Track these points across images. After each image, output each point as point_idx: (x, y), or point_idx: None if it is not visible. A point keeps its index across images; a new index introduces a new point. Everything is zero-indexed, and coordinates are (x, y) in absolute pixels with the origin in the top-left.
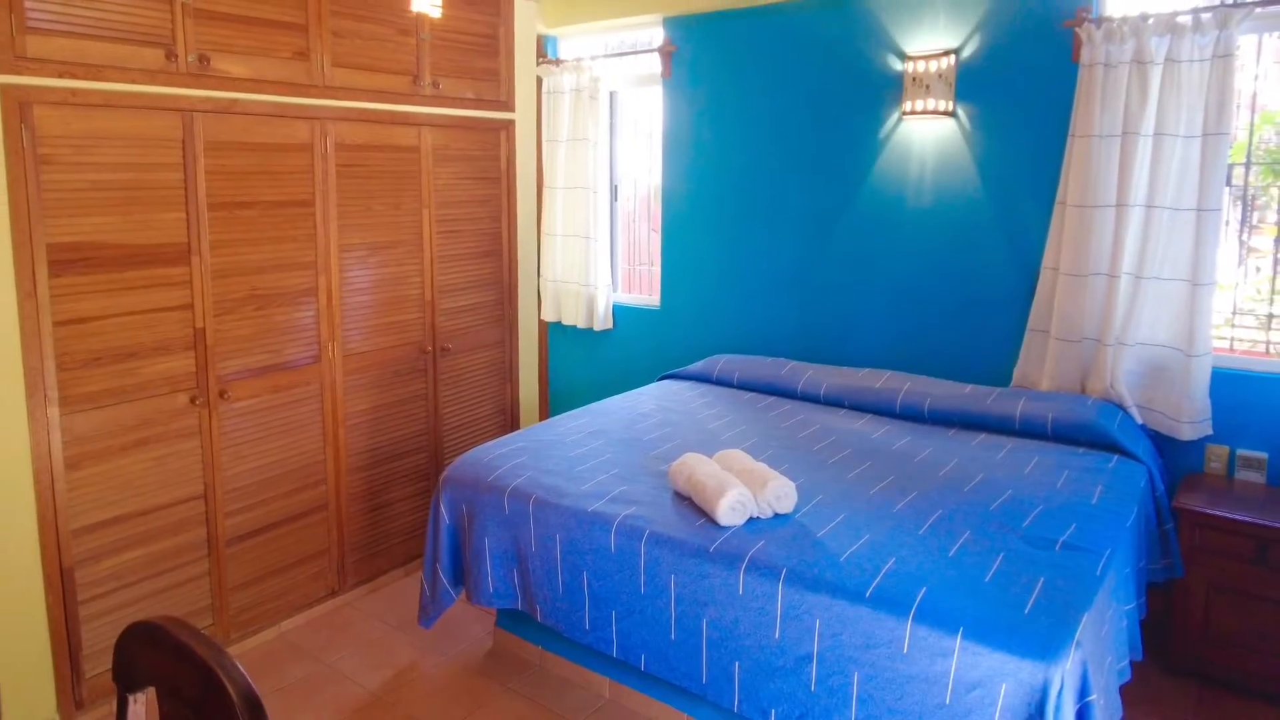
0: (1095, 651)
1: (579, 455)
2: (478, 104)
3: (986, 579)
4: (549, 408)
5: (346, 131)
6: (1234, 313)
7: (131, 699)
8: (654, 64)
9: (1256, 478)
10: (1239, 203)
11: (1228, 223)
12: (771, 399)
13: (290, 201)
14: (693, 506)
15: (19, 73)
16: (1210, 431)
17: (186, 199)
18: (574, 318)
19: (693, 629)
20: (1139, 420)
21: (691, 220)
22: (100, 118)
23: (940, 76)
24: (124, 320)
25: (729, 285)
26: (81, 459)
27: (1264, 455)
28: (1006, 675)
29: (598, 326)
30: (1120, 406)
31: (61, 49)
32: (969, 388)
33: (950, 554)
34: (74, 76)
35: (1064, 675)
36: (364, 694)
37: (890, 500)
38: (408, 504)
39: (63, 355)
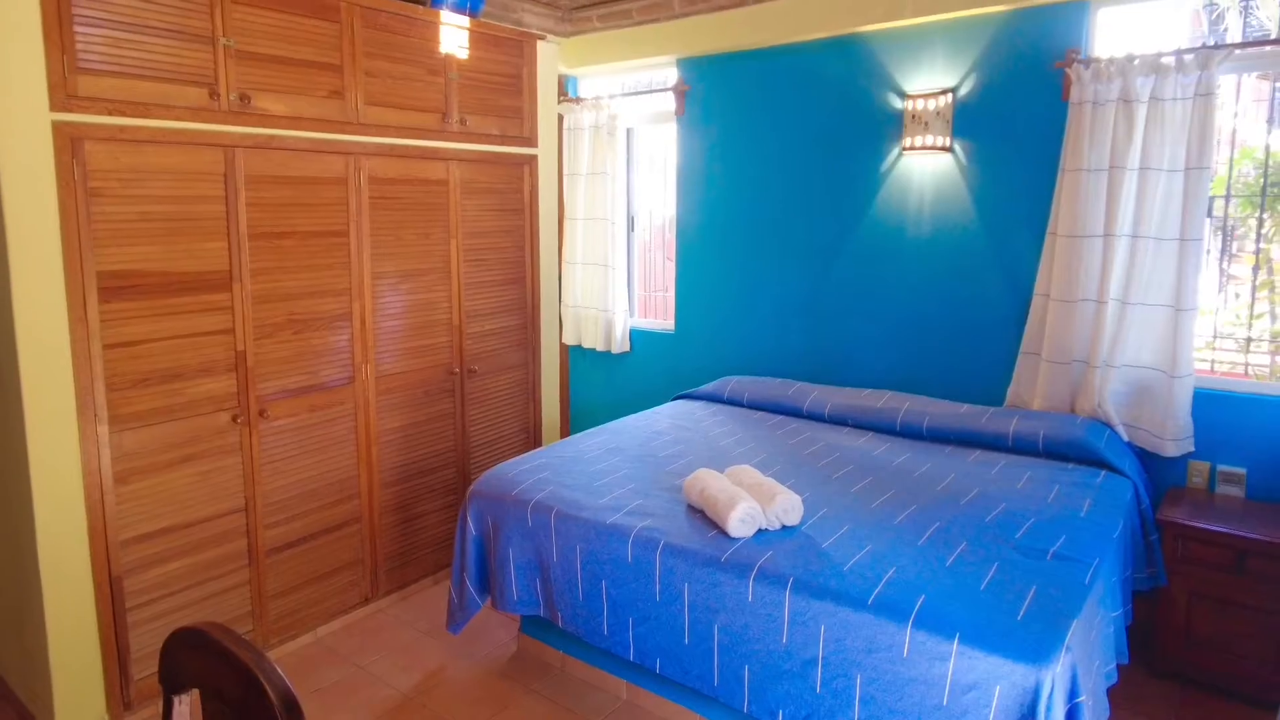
0: (1084, 655)
1: (598, 471)
2: (502, 140)
3: (982, 587)
4: (569, 426)
5: (379, 166)
6: (1214, 336)
7: (177, 700)
8: (668, 102)
9: (1236, 492)
10: (1219, 233)
11: (1209, 251)
12: (779, 418)
13: (326, 231)
14: (705, 519)
15: (70, 110)
16: (1192, 448)
17: (228, 229)
18: (593, 341)
19: (705, 634)
20: (1125, 438)
21: (703, 249)
22: (147, 153)
23: (938, 114)
24: (170, 344)
25: (739, 310)
26: (129, 474)
27: (1243, 470)
28: (1001, 677)
29: (615, 349)
30: (1108, 425)
31: (111, 88)
32: (965, 407)
33: (948, 564)
34: (122, 114)
35: (1054, 678)
36: (396, 695)
37: (891, 513)
38: (437, 516)
39: (112, 376)
